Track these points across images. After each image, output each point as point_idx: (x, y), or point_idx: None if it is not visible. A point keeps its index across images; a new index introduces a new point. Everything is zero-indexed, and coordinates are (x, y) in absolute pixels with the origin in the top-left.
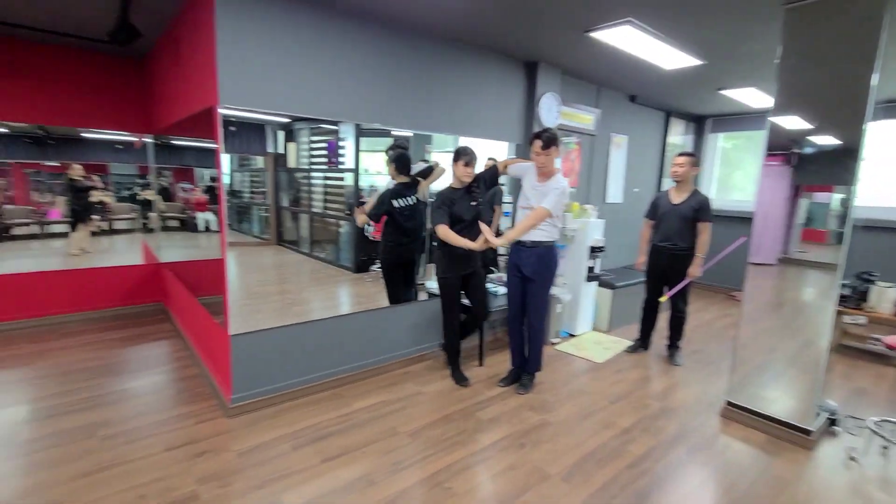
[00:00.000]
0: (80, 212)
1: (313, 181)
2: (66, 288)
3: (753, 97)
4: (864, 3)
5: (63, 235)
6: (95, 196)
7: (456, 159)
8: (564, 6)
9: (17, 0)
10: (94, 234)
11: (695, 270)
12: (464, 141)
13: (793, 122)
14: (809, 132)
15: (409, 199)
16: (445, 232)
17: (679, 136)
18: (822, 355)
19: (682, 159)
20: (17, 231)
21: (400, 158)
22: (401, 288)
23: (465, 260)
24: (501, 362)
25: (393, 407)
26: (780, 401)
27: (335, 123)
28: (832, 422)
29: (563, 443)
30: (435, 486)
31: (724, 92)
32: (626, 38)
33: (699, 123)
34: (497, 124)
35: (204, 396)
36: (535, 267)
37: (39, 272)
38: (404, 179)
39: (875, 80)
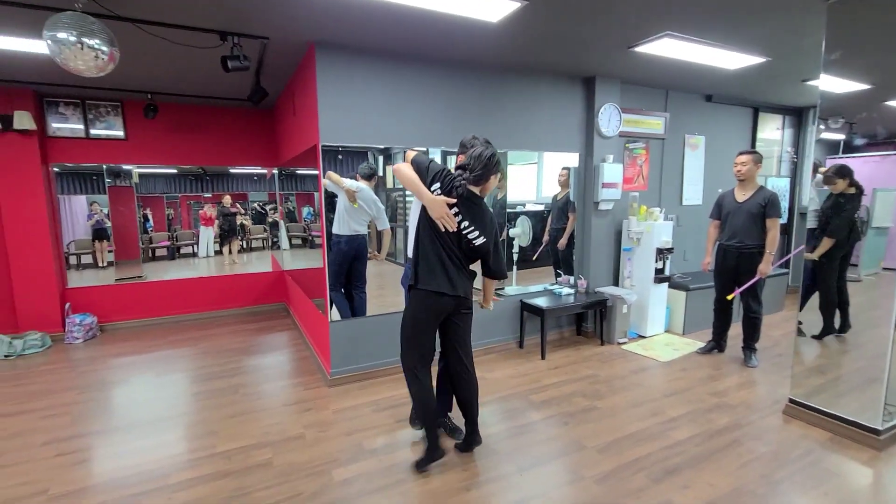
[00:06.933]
0: (229, 232)
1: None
2: (219, 290)
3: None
4: None
5: (217, 253)
6: (239, 220)
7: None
8: (603, 29)
9: (189, 77)
10: (238, 250)
11: (765, 268)
12: (519, 155)
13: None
14: None
15: None
16: None
17: (775, 132)
18: (888, 349)
19: (743, 157)
20: (184, 250)
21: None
22: None
23: None
24: (562, 357)
25: None
26: (847, 399)
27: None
28: None
29: (606, 424)
30: (483, 447)
31: (811, 83)
32: (671, 49)
33: (798, 116)
34: (556, 137)
35: (311, 371)
36: None
37: (200, 278)
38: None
39: None
